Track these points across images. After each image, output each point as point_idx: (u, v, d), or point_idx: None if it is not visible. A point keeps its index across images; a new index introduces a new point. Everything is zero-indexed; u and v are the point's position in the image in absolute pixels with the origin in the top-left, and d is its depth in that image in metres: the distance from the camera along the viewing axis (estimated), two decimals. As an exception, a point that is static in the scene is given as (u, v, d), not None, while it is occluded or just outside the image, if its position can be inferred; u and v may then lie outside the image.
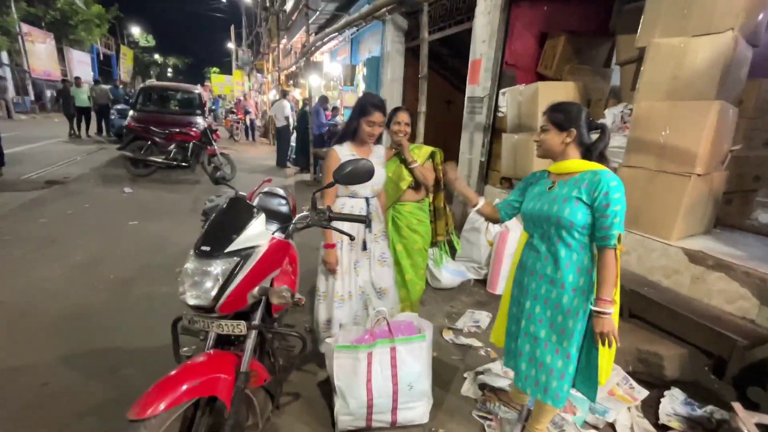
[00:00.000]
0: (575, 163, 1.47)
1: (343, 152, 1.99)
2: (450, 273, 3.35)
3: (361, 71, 8.32)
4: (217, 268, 1.20)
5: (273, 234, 1.34)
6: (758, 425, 1.36)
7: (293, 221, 1.42)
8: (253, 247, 1.25)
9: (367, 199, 2.06)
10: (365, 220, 1.42)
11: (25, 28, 17.75)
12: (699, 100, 2.35)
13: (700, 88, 2.36)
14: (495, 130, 4.24)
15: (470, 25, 4.43)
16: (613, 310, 1.37)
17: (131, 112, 7.13)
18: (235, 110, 14.71)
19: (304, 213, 1.42)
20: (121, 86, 14.11)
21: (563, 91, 3.46)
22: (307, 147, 7.26)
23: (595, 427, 1.92)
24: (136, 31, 35.85)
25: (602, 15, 4.35)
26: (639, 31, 2.74)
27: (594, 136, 1.51)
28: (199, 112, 7.60)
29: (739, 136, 2.70)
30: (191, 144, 6.62)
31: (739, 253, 2.35)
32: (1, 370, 2.03)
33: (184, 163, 6.62)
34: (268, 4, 15.33)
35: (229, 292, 1.20)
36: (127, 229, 4.27)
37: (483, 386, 2.14)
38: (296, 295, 1.31)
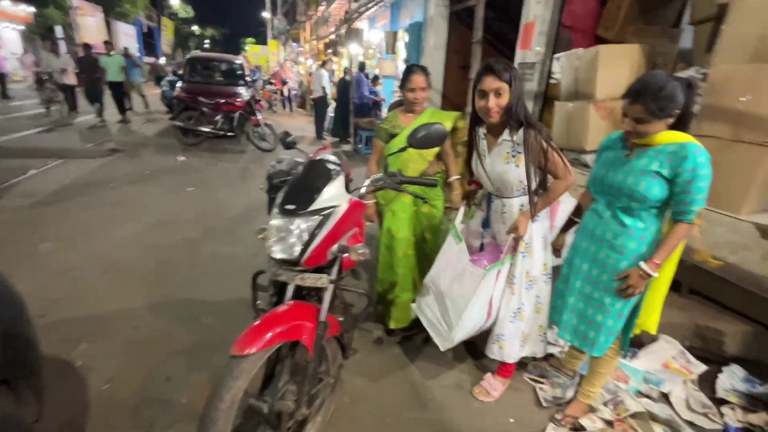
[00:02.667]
0: (659, 135, 1.37)
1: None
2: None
3: (402, 38, 8.09)
4: (302, 224, 1.29)
5: (350, 194, 1.41)
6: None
7: (366, 182, 1.48)
8: (333, 207, 1.33)
9: (489, 195, 1.78)
10: (435, 184, 1.46)
11: (76, 1, 18.36)
12: (790, 62, 2.15)
13: (792, 48, 2.14)
14: (546, 98, 4.06)
15: (524, -15, 4.17)
16: (656, 275, 1.40)
17: (179, 84, 7.39)
18: (273, 81, 14.83)
19: (377, 175, 1.48)
20: (135, 56, 12.02)
21: (627, 55, 3.24)
22: (347, 118, 7.25)
23: (648, 396, 1.94)
24: (175, 2, 36.34)
25: (674, -32, 3.97)
26: (722, -15, 2.50)
27: None
28: (242, 82, 7.75)
29: (830, 103, 2.45)
30: (237, 114, 6.81)
31: (819, 229, 2.20)
32: (99, 314, 2.31)
33: (230, 133, 6.84)
34: (305, -30, 15.00)
35: (312, 248, 1.29)
36: (186, 194, 4.56)
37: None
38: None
